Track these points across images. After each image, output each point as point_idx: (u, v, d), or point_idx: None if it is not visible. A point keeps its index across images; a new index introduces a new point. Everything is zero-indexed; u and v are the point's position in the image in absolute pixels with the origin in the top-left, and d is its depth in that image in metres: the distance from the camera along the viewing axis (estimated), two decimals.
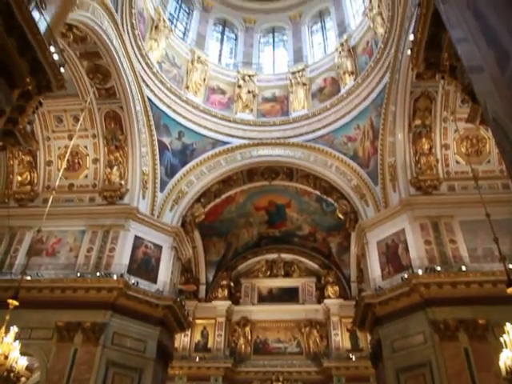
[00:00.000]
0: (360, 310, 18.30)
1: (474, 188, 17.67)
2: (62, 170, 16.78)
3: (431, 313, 15.54)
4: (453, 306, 15.34)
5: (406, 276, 16.55)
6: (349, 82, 21.67)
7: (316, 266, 27.24)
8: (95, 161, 20.33)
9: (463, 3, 4.23)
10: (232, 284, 26.56)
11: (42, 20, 10.40)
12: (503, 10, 2.56)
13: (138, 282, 17.81)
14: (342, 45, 22.88)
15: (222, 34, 27.51)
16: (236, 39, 27.35)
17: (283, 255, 27.59)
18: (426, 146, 18.71)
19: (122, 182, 19.85)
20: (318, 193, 22.56)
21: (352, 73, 21.75)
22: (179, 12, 25.76)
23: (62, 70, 10.78)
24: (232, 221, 25.59)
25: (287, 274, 27.18)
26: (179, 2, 26.03)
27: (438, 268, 16.17)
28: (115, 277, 17.07)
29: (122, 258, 18.22)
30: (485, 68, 4.16)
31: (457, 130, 18.61)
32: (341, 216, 21.68)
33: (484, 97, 4.39)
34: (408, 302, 16.32)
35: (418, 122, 18.73)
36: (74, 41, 17.11)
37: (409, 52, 10.75)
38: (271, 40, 27.91)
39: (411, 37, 10.13)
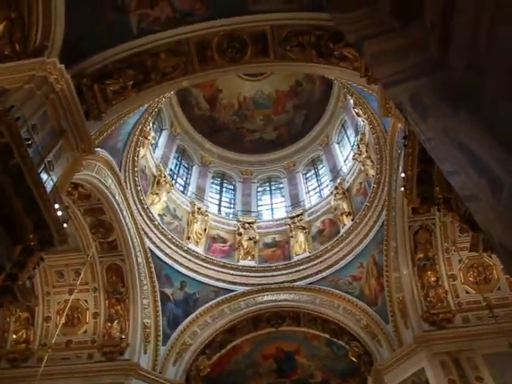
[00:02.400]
0: None
1: (489, 317, 17.16)
2: (59, 326, 16.21)
3: None
4: None
5: None
6: (347, 222, 22.10)
7: None
8: (95, 315, 19.77)
9: (447, 140, 4.52)
10: None
11: (49, 181, 10.95)
12: (483, 140, 2.74)
13: None
14: (336, 188, 23.81)
15: (221, 185, 28.77)
16: (234, 190, 28.55)
17: None
18: (433, 279, 18.42)
19: (123, 337, 19.01)
20: (327, 336, 21.57)
21: (349, 213, 22.28)
22: (179, 168, 27.21)
23: (65, 225, 11.03)
24: (240, 372, 24.01)
25: None
26: (179, 159, 27.65)
27: None
28: None
29: None
30: (480, 197, 4.29)
31: (461, 260, 18.61)
32: (354, 359, 20.50)
33: (487, 225, 4.44)
34: None
35: (420, 255, 18.75)
36: (78, 198, 17.82)
37: (402, 189, 11.14)
38: (268, 188, 29.14)
39: (402, 175, 10.59)
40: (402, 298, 18.69)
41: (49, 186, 10.82)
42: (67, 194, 17.11)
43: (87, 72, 12.80)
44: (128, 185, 19.82)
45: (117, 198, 18.78)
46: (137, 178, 20.41)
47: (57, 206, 10.37)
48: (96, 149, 15.71)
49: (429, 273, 18.52)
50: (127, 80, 13.61)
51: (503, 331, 16.02)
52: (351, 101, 22.73)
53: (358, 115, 21.48)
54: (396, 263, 19.07)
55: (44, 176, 10.43)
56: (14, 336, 19.56)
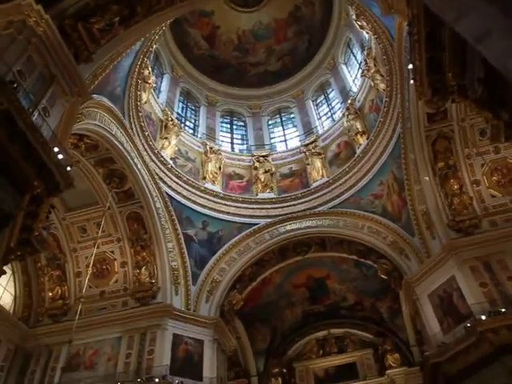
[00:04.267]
0: (428, 373, 16.61)
1: None
2: (87, 279, 16.41)
3: (509, 361, 13.80)
4: None
5: (469, 325, 15.02)
6: (362, 141, 21.53)
7: (370, 336, 25.24)
8: (123, 264, 20.11)
9: None
10: (285, 371, 24.70)
11: (45, 126, 10.63)
12: None
13: (182, 382, 16.60)
14: (348, 109, 23.05)
15: (231, 123, 28.23)
16: (245, 125, 28.00)
17: (333, 331, 25.75)
18: (456, 186, 17.93)
19: (153, 281, 19.42)
20: (355, 258, 21.55)
21: (364, 132, 21.64)
22: (186, 111, 26.71)
23: (68, 168, 10.80)
24: (273, 303, 24.42)
25: (341, 350, 25.15)
26: (185, 101, 27.08)
27: (503, 310, 14.68)
28: (157, 380, 16.00)
29: (162, 359, 17.26)
30: (492, 28, 3.77)
31: (484, 164, 18.00)
32: (384, 276, 20.52)
33: (502, 58, 3.95)
34: (479, 353, 14.68)
35: (441, 164, 18.19)
36: (86, 150, 17.60)
37: (412, 82, 10.46)
38: (279, 120, 28.46)
39: (410, 66, 9.88)
40: (426, 210, 18.33)
41: (47, 131, 10.53)
42: (74, 147, 17.01)
43: (68, 12, 12.19)
44: (135, 131, 19.48)
45: (125, 145, 18.52)
46: (143, 124, 20.01)
47: (56, 149, 10.08)
48: (94, 95, 15.38)
49: (451, 181, 18.01)
50: (112, 16, 12.96)
51: None
52: (353, 16, 21.56)
53: (362, 28, 20.39)
54: (416, 176, 18.59)
55: (39, 121, 10.12)
56: (50, 294, 20.20)
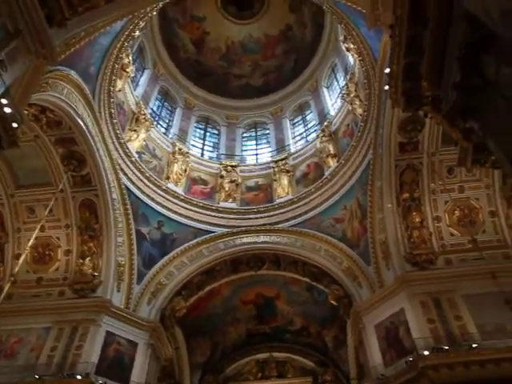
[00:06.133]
0: None
1: (472, 260, 16.72)
2: (22, 259, 15.42)
3: None
4: None
5: (411, 359, 14.65)
6: (332, 164, 21.35)
7: (311, 364, 24.67)
8: (67, 252, 19.11)
9: None
10: None
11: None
12: None
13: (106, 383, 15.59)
14: (323, 131, 23.00)
15: (205, 129, 27.79)
16: (218, 134, 27.62)
17: (275, 354, 25.11)
18: (417, 220, 17.86)
19: (95, 274, 18.45)
20: (307, 280, 21.07)
21: (335, 155, 21.53)
22: (162, 109, 26.20)
23: (14, 125, 10.08)
24: (218, 317, 23.59)
25: (280, 375, 24.47)
26: (162, 100, 26.57)
27: (446, 347, 14.41)
28: (79, 377, 14.96)
29: (90, 356, 16.23)
30: None
31: (447, 202, 18.01)
32: (333, 302, 20.10)
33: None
34: None
35: (405, 195, 18.13)
36: (47, 125, 16.72)
37: (387, 87, 10.24)
38: (254, 134, 28.17)
39: (387, 70, 9.66)
40: (385, 239, 18.15)
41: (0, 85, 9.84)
42: (35, 119, 16.18)
43: None
44: (103, 116, 18.77)
45: (90, 128, 17.73)
46: (113, 111, 19.32)
47: (5, 101, 9.38)
48: (63, 67, 14.71)
49: (414, 213, 17.95)
50: None
51: (485, 273, 15.60)
52: (341, 38, 21.71)
53: (348, 50, 20.47)
54: (380, 204, 18.43)
55: None
56: None
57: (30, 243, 15.24)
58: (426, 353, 14.33)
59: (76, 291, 18.21)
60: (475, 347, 14.20)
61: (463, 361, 13.95)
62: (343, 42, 21.41)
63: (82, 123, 17.06)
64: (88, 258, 18.75)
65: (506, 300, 13.53)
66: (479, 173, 17.95)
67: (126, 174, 20.03)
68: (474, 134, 8.40)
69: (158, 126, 24.58)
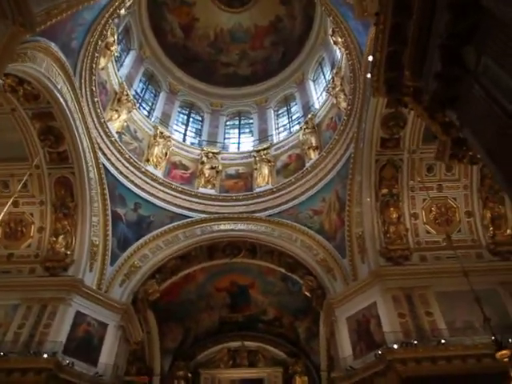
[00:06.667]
0: None
1: (446, 258, 16.86)
2: None
3: None
4: None
5: (380, 352, 14.73)
6: (313, 156, 21.31)
7: (283, 355, 24.77)
8: (40, 229, 18.75)
9: None
10: (190, 375, 23.67)
11: None
12: None
13: (73, 363, 15.37)
14: (306, 123, 22.93)
15: (188, 115, 27.50)
16: (202, 121, 27.38)
17: (247, 343, 25.14)
18: (395, 215, 17.95)
19: (68, 252, 18.14)
20: (282, 270, 21.11)
21: (316, 147, 21.50)
22: (145, 92, 25.83)
23: None
24: (191, 303, 23.47)
25: (251, 364, 24.53)
26: (146, 83, 26.21)
27: (415, 342, 14.53)
28: (46, 356, 14.70)
29: (58, 335, 16.00)
30: None
31: (425, 199, 18.12)
32: (307, 293, 20.14)
33: None
34: (385, 382, 14.40)
35: (384, 190, 18.18)
36: (25, 98, 16.25)
37: (369, 75, 10.15)
38: (237, 123, 28.00)
39: (370, 58, 9.58)
40: (361, 233, 18.20)
41: None
42: (11, 90, 15.72)
43: None
44: (83, 93, 18.35)
45: (69, 104, 17.30)
46: (94, 88, 18.90)
47: None
48: (43, 39, 14.33)
49: (391, 209, 18.03)
50: None
51: (458, 271, 15.71)
52: (330, 31, 21.64)
53: (336, 43, 20.40)
54: (359, 198, 18.47)
55: None
56: None
57: (0, 218, 14.84)
58: (395, 346, 14.44)
59: (47, 269, 17.91)
60: (443, 343, 14.37)
61: (431, 356, 14.14)
62: (331, 36, 21.30)
63: (61, 98, 16.62)
64: (61, 236, 18.43)
65: (476, 298, 13.64)
66: (458, 173, 18.13)
67: (104, 154, 19.68)
68: (453, 128, 8.41)
69: (141, 108, 24.23)
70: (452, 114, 7.26)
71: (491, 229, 17.51)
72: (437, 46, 7.07)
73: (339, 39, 19.29)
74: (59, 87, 16.52)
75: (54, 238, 18.39)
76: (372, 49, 8.87)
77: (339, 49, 20.33)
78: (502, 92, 5.47)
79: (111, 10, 17.29)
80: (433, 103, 7.73)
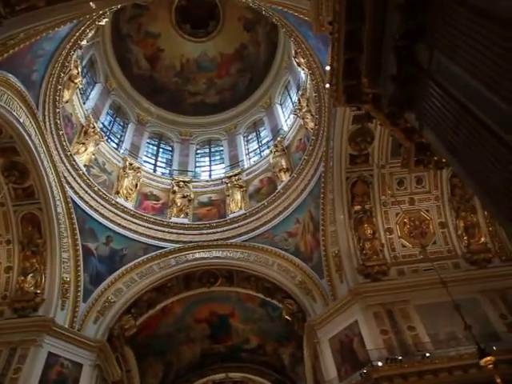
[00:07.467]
0: None
1: (424, 270, 16.80)
2: None
3: None
4: None
5: (365, 371, 14.37)
6: (285, 178, 21.27)
7: None
8: (8, 269, 17.99)
9: None
10: None
11: None
12: None
13: None
14: (276, 146, 22.95)
15: (158, 146, 27.27)
16: (172, 150, 27.17)
17: (231, 374, 24.41)
18: (369, 231, 17.85)
19: (38, 291, 17.44)
20: (261, 296, 20.72)
21: (287, 169, 21.50)
22: (113, 125, 25.57)
23: None
24: (170, 336, 22.73)
25: None
26: (113, 115, 25.99)
27: (400, 358, 14.23)
28: None
29: (29, 380, 15.21)
30: None
31: (398, 214, 18.12)
32: (288, 317, 19.74)
33: None
34: None
35: (357, 207, 18.14)
36: None
37: (328, 86, 10.13)
38: (207, 150, 27.88)
39: (327, 68, 9.61)
40: (337, 252, 18.01)
41: None
42: None
43: None
44: (48, 126, 18.03)
45: (33, 137, 16.93)
46: (59, 121, 18.59)
47: None
48: (1, 71, 14.10)
49: (365, 225, 17.93)
50: None
51: (436, 283, 15.60)
52: (293, 53, 21.95)
53: (299, 65, 20.65)
54: (332, 216, 18.34)
55: None
56: None
57: None
58: (380, 364, 14.11)
59: (16, 310, 17.13)
60: (428, 356, 14.10)
61: (417, 370, 13.86)
62: (294, 58, 21.59)
63: (23, 132, 16.28)
64: (30, 275, 17.74)
65: (456, 306, 13.49)
66: (428, 184, 18.24)
67: (72, 188, 19.23)
68: (415, 134, 8.42)
69: (109, 140, 23.93)
70: (411, 116, 7.23)
71: (465, 238, 17.54)
72: (391, 49, 7.11)
73: (302, 60, 19.54)
74: (21, 121, 16.19)
75: (23, 278, 17.69)
76: (329, 59, 8.91)
77: (303, 69, 20.56)
78: (456, 86, 5.43)
79: (72, 40, 17.14)
80: (391, 107, 7.71)
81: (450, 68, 5.48)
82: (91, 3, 13.52)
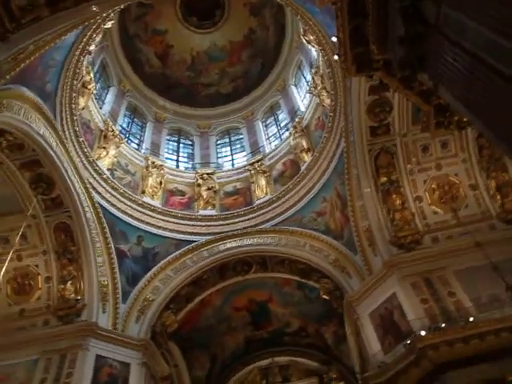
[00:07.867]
0: None
1: (459, 235, 16.43)
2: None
3: (450, 380, 13.04)
4: (473, 366, 12.92)
5: (408, 342, 14.21)
6: (307, 159, 21.06)
7: (315, 364, 24.10)
8: (47, 279, 18.45)
9: None
10: None
11: None
12: None
13: None
14: (295, 127, 22.76)
15: (178, 141, 27.37)
16: (192, 144, 27.23)
17: (277, 359, 24.56)
18: (398, 202, 17.49)
19: (78, 298, 17.82)
20: (297, 278, 20.67)
21: (309, 149, 21.26)
22: (132, 126, 25.76)
23: None
24: (212, 328, 23.00)
25: (285, 380, 23.94)
26: (131, 117, 26.15)
27: (443, 325, 14.00)
28: None
29: (81, 383, 15.56)
30: None
31: (426, 181, 17.76)
32: (325, 297, 19.67)
33: None
34: (419, 372, 13.81)
35: (383, 179, 17.80)
36: (9, 149, 16.15)
37: (336, 57, 9.92)
38: (227, 140, 27.84)
39: (334, 39, 9.39)
40: (368, 226, 17.77)
41: None
42: None
43: None
44: (67, 135, 18.25)
45: (54, 148, 17.17)
46: (77, 129, 18.80)
47: None
48: (15, 86, 14.27)
49: (394, 196, 17.57)
50: None
51: (472, 246, 15.27)
52: (301, 31, 21.61)
53: (309, 42, 20.35)
54: (359, 191, 18.08)
55: None
56: None
57: (2, 274, 14.51)
58: (423, 333, 13.86)
59: (60, 318, 17.57)
60: (472, 321, 13.79)
61: (461, 336, 13.47)
62: (304, 36, 21.26)
63: (44, 144, 16.51)
64: (69, 283, 18.12)
65: (494, 267, 13.16)
66: (454, 148, 17.75)
67: (98, 193, 19.49)
68: (432, 96, 8.16)
69: (129, 141, 24.13)
70: (424, 76, 6.99)
71: (499, 198, 17.00)
72: (396, 10, 6.86)
73: (311, 37, 19.23)
74: (41, 132, 16.41)
75: (62, 286, 18.09)
76: (335, 30, 8.69)
77: (313, 47, 20.23)
78: (466, 37, 5.20)
79: (80, 47, 17.24)
80: (403, 70, 7.46)
81: (458, 19, 5.26)
82: (93, 7, 13.53)
